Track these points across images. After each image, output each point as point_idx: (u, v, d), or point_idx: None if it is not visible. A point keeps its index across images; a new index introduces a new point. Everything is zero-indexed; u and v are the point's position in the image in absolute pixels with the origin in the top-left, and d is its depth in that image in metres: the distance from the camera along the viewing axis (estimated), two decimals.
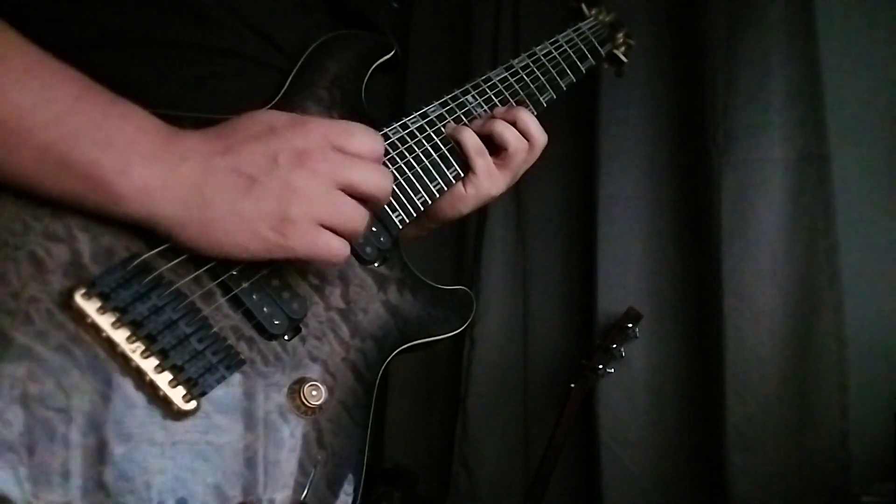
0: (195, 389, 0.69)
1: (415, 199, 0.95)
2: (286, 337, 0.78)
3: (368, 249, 0.88)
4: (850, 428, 1.98)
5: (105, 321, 0.65)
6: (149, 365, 0.67)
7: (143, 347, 0.67)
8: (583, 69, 1.27)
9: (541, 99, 1.17)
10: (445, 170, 1.00)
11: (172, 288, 0.70)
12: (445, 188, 1.00)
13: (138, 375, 0.67)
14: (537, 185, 2.51)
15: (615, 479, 2.27)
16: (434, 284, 0.95)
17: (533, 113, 1.13)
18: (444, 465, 2.56)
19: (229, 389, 0.72)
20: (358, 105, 0.96)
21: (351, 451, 0.80)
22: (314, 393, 0.76)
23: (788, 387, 2.05)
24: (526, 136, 1.07)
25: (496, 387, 2.53)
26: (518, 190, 2.32)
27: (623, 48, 1.44)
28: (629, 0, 2.22)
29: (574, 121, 2.44)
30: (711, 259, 2.14)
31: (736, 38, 2.16)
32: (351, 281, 0.86)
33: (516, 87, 1.15)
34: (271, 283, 0.78)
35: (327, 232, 0.72)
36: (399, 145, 0.96)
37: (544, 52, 1.22)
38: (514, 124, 1.06)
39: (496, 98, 1.12)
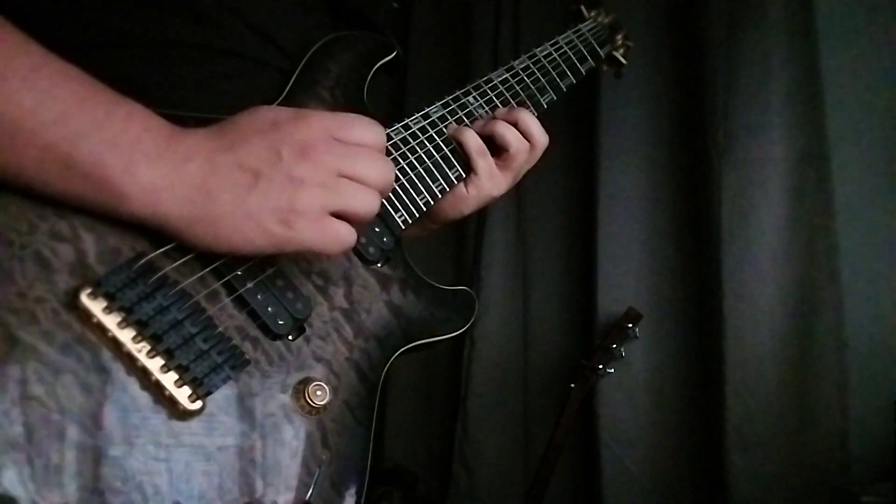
0: (200, 389, 0.69)
1: (417, 199, 0.95)
2: (290, 337, 0.79)
3: (371, 249, 0.89)
4: (850, 428, 1.97)
5: (111, 321, 0.65)
6: (154, 365, 0.67)
7: (148, 347, 0.67)
8: (582, 71, 1.28)
9: (541, 100, 1.18)
10: (447, 170, 1.01)
11: (177, 288, 0.71)
12: (447, 189, 1.01)
13: (144, 375, 0.67)
14: (537, 185, 2.51)
15: (615, 479, 2.27)
16: (436, 285, 0.96)
17: (534, 114, 1.13)
18: (444, 465, 2.56)
19: (234, 389, 0.73)
20: (360, 106, 0.97)
21: (355, 452, 0.80)
22: (319, 393, 0.76)
23: (788, 387, 2.05)
24: (527, 137, 1.07)
25: (496, 387, 2.53)
26: (518, 190, 2.32)
27: (622, 50, 1.45)
28: (629, 1, 2.23)
29: (574, 121, 2.44)
30: (711, 259, 2.14)
31: (736, 38, 2.15)
32: (354, 281, 0.87)
33: (517, 87, 1.15)
34: (276, 283, 0.78)
35: (334, 220, 0.72)
36: (401, 146, 0.96)
37: (544, 53, 1.22)
38: (515, 125, 1.07)
39: (497, 99, 1.12)
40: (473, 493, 2.49)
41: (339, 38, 0.99)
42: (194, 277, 0.73)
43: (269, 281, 0.78)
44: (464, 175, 1.04)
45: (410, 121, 1.00)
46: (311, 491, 0.75)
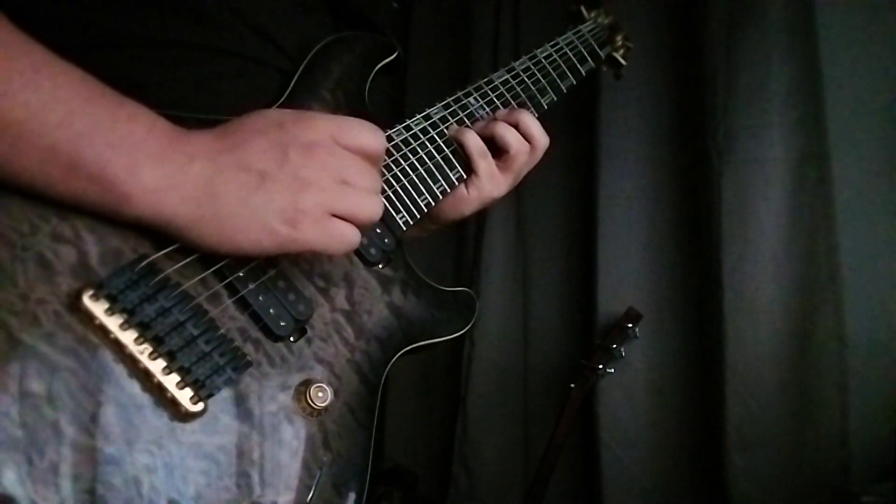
0: (202, 391, 0.69)
1: (418, 200, 0.95)
2: (292, 338, 0.79)
3: (373, 251, 0.89)
4: (850, 428, 1.97)
5: (113, 323, 0.65)
6: (156, 366, 0.67)
7: (150, 349, 0.67)
8: (583, 71, 1.28)
9: (541, 101, 1.18)
10: (448, 171, 1.01)
11: (180, 289, 0.71)
12: (448, 190, 1.01)
13: (146, 377, 0.67)
14: (537, 185, 2.51)
15: (615, 479, 2.27)
16: (437, 286, 0.96)
17: (534, 115, 1.13)
18: (444, 465, 2.57)
19: (236, 391, 0.73)
20: (361, 107, 0.97)
21: (356, 453, 0.80)
22: (320, 394, 0.76)
23: (788, 387, 2.05)
24: (528, 138, 1.08)
25: (496, 387, 2.53)
26: (518, 190, 2.32)
27: (622, 51, 1.45)
28: (629, 1, 2.22)
29: (574, 121, 2.44)
30: (711, 259, 2.14)
31: (736, 38, 2.15)
32: (355, 282, 0.87)
33: (517, 88, 1.15)
34: (277, 285, 0.78)
35: (339, 220, 0.72)
36: (402, 147, 0.97)
37: (545, 54, 1.23)
38: (515, 126, 1.07)
39: (498, 100, 1.12)
40: (473, 493, 2.49)
41: (340, 39, 0.99)
42: (196, 279, 0.73)
43: (271, 282, 0.78)
44: (464, 176, 1.04)
45: (412, 122, 1.00)
46: (311, 492, 0.75)
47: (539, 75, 1.19)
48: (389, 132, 0.96)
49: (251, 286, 0.76)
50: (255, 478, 0.72)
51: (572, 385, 2.16)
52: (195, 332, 0.70)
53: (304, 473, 0.75)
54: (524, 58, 1.20)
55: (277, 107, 0.88)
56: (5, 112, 0.61)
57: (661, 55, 2.32)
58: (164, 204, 0.67)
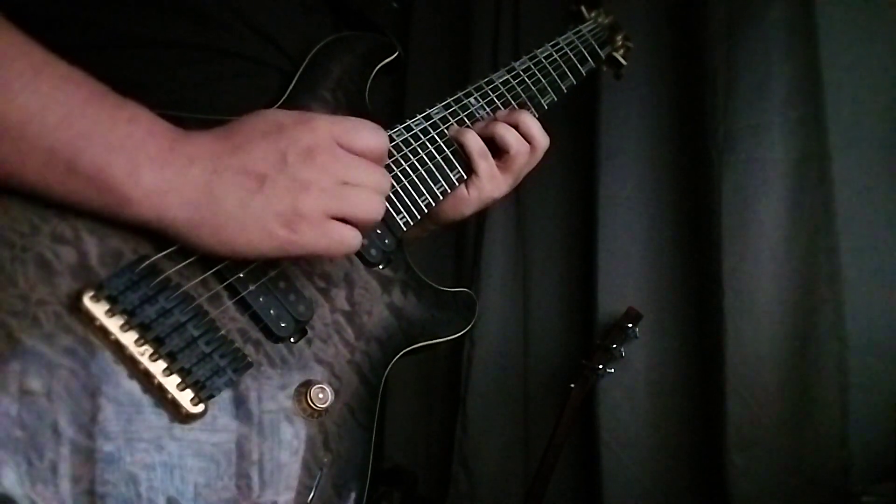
0: (203, 392, 0.69)
1: (419, 201, 0.95)
2: (292, 339, 0.79)
3: (373, 251, 0.89)
4: (850, 428, 1.98)
5: (113, 324, 0.65)
6: (157, 368, 0.67)
7: (151, 350, 0.67)
8: (583, 71, 1.28)
9: (542, 101, 1.18)
10: (449, 172, 1.01)
11: (180, 291, 0.71)
12: (449, 190, 1.01)
13: (146, 378, 0.67)
14: (537, 185, 2.50)
15: (615, 478, 2.27)
16: (437, 286, 0.96)
17: (534, 115, 1.13)
18: (444, 465, 2.56)
19: (236, 392, 0.73)
20: (362, 107, 0.97)
21: (356, 454, 0.80)
22: (321, 395, 0.76)
23: (788, 387, 2.05)
24: (528, 138, 1.08)
25: (496, 387, 2.53)
26: (518, 190, 2.32)
27: (622, 51, 1.45)
28: (629, 1, 2.22)
29: (574, 121, 2.44)
30: (711, 259, 2.14)
31: (736, 38, 2.16)
32: (356, 283, 0.87)
33: (518, 89, 1.15)
34: (278, 286, 0.78)
35: (338, 223, 0.72)
36: (403, 147, 0.96)
37: (545, 54, 1.22)
38: (516, 127, 1.07)
39: (498, 100, 1.12)
40: (473, 493, 2.49)
41: (341, 39, 0.99)
42: (196, 280, 0.73)
43: (272, 283, 0.78)
44: (465, 176, 1.04)
45: (412, 122, 1.00)
46: (311, 494, 0.75)
47: (539, 75, 1.19)
48: (390, 132, 0.96)
49: (251, 287, 0.76)
50: (256, 479, 0.71)
51: (572, 385, 2.16)
52: (196, 334, 0.70)
53: (305, 474, 0.75)
54: (524, 58, 1.20)
55: (278, 107, 0.88)
56: (4, 114, 0.61)
57: (661, 55, 2.32)
58: (163, 206, 0.66)
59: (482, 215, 2.54)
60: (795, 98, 2.09)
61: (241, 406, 0.73)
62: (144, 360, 0.66)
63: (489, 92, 1.12)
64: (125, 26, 0.83)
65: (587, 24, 1.36)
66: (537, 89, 1.18)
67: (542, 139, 1.09)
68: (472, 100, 1.09)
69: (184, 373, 0.68)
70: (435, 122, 1.03)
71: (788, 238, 2.08)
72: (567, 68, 1.24)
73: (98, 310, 0.65)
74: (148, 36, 0.85)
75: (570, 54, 1.26)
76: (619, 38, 1.44)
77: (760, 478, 2.04)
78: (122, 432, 0.65)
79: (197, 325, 0.71)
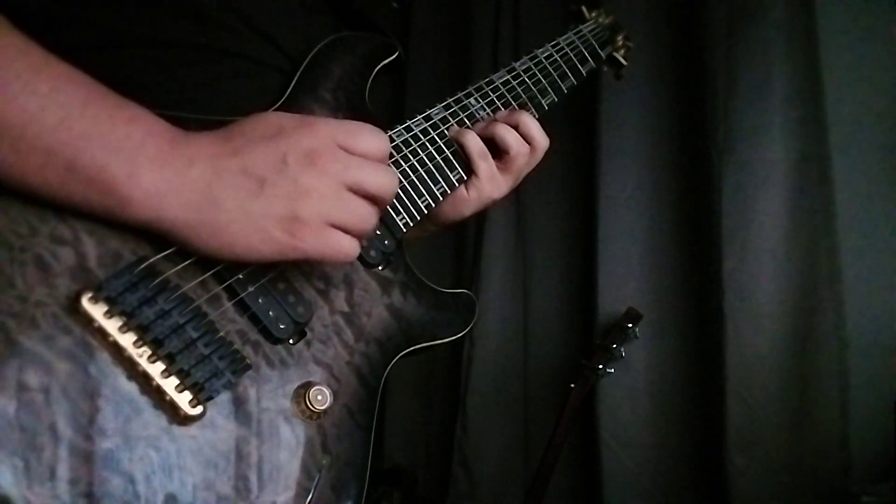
0: (202, 394, 0.69)
1: (419, 202, 0.95)
2: (291, 341, 0.79)
3: (373, 253, 0.88)
4: (850, 428, 1.98)
5: (112, 325, 0.65)
6: (155, 370, 0.67)
7: (149, 352, 0.67)
8: (583, 72, 1.28)
9: (542, 101, 1.18)
10: (449, 173, 1.01)
11: (179, 292, 0.71)
12: (449, 191, 1.01)
13: (144, 380, 0.67)
14: (537, 185, 2.50)
15: (615, 479, 2.27)
16: (437, 288, 0.96)
17: (534, 116, 1.13)
18: (444, 465, 2.56)
19: (235, 394, 0.73)
20: (362, 107, 0.97)
21: (355, 456, 0.80)
22: (319, 397, 0.76)
23: (788, 387, 2.05)
24: (528, 139, 1.07)
25: (496, 387, 2.53)
26: (518, 190, 2.32)
27: (623, 51, 1.44)
28: (629, 1, 2.22)
29: (574, 121, 2.44)
30: (711, 259, 2.14)
31: (736, 38, 2.16)
32: (355, 284, 0.87)
33: (518, 89, 1.15)
34: (277, 287, 0.78)
35: (337, 231, 0.72)
36: (403, 148, 0.96)
37: (545, 54, 1.22)
38: (516, 128, 1.07)
39: (499, 101, 1.12)
40: (473, 493, 2.49)
41: (341, 39, 0.99)
42: (195, 281, 0.73)
43: (271, 285, 0.78)
44: (465, 177, 1.04)
45: (412, 122, 1.00)
46: (310, 496, 0.75)
47: (540, 75, 1.19)
48: (390, 133, 0.95)
49: (251, 289, 0.76)
50: (254, 481, 0.71)
51: (572, 385, 2.16)
52: (194, 335, 0.70)
53: (303, 476, 0.75)
54: (525, 58, 1.20)
55: (278, 107, 0.88)
56: (3, 114, 0.61)
57: (661, 55, 2.32)
58: (162, 208, 0.66)
59: (482, 215, 2.54)
60: (795, 98, 2.09)
61: (239, 408, 0.72)
62: (143, 362, 0.66)
63: (489, 92, 1.12)
64: (125, 26, 0.83)
65: (588, 24, 1.36)
66: (537, 90, 1.17)
67: (542, 140, 1.09)
68: (472, 100, 1.09)
69: (182, 374, 0.68)
70: (435, 122, 1.02)
71: (788, 238, 2.08)
72: (567, 68, 1.24)
73: (96, 311, 0.65)
74: (148, 36, 0.84)
75: (571, 54, 1.26)
76: (619, 38, 1.43)
77: (760, 478, 2.04)
78: (120, 434, 0.64)
79: (196, 327, 0.70)
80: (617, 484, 2.27)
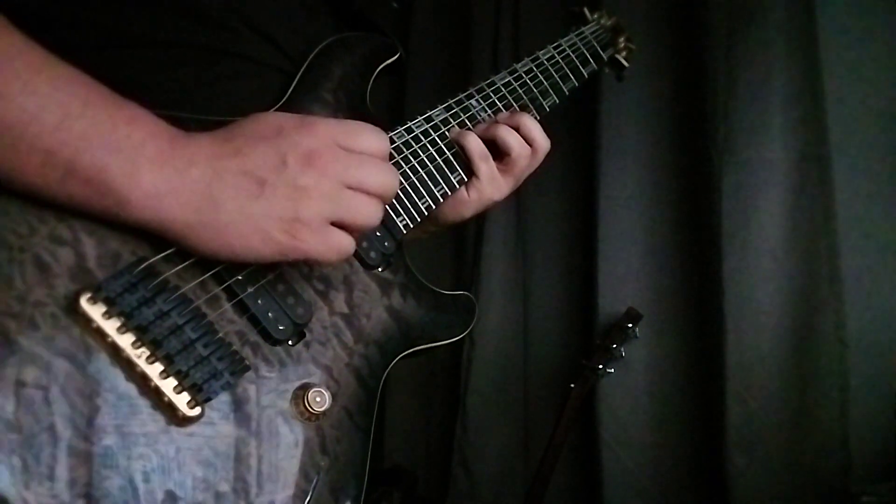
0: (200, 395, 0.69)
1: (419, 203, 0.95)
2: (290, 342, 0.79)
3: (373, 254, 0.88)
4: (850, 428, 1.98)
5: (110, 326, 0.65)
6: (154, 370, 0.67)
7: (148, 353, 0.67)
8: (585, 73, 1.27)
9: (544, 103, 1.18)
10: (449, 174, 1.00)
11: (178, 293, 0.71)
12: (449, 192, 1.01)
13: (143, 381, 0.67)
14: (537, 185, 2.50)
15: (615, 479, 2.27)
16: (437, 289, 0.96)
17: (536, 118, 1.13)
18: (444, 465, 2.56)
19: (233, 395, 0.73)
20: (363, 108, 0.97)
21: (354, 458, 0.80)
22: (318, 399, 0.76)
23: (788, 387, 2.05)
24: (529, 141, 1.07)
25: (496, 387, 2.53)
26: (518, 191, 2.31)
27: (624, 52, 1.44)
28: (630, 1, 2.22)
29: (574, 121, 2.44)
30: (711, 259, 2.14)
31: (736, 38, 2.15)
32: (355, 286, 0.87)
33: (520, 91, 1.15)
34: (276, 288, 0.78)
35: (338, 230, 0.72)
36: (404, 149, 0.96)
37: (547, 56, 1.22)
38: (517, 129, 1.06)
39: (500, 102, 1.12)
40: (473, 493, 2.49)
41: (342, 40, 0.99)
42: (195, 282, 0.73)
43: (270, 286, 0.78)
44: (465, 179, 1.04)
45: (413, 124, 1.00)
46: (309, 497, 0.74)
47: (541, 77, 1.19)
48: (391, 134, 0.95)
49: (250, 289, 0.76)
50: (252, 482, 0.71)
51: (572, 385, 2.16)
52: (193, 336, 0.70)
53: (302, 478, 0.75)
54: (526, 59, 1.20)
55: (278, 108, 0.88)
56: (3, 114, 0.61)
57: (662, 56, 2.32)
58: (162, 208, 0.66)
59: (482, 216, 2.52)
60: (795, 98, 2.09)
61: (238, 409, 0.72)
62: (141, 363, 0.66)
63: (490, 94, 1.11)
64: (125, 26, 0.83)
65: (589, 25, 1.36)
66: (539, 91, 1.17)
67: (543, 142, 1.09)
68: (473, 101, 1.09)
69: (181, 375, 0.68)
70: (436, 123, 1.02)
71: (788, 238, 2.08)
72: (569, 70, 1.23)
73: (95, 312, 0.64)
74: (148, 36, 0.84)
75: (572, 56, 1.26)
76: (621, 39, 1.43)
77: (760, 478, 2.04)
78: (118, 434, 0.64)
79: (195, 328, 0.70)
80: (617, 484, 2.27)
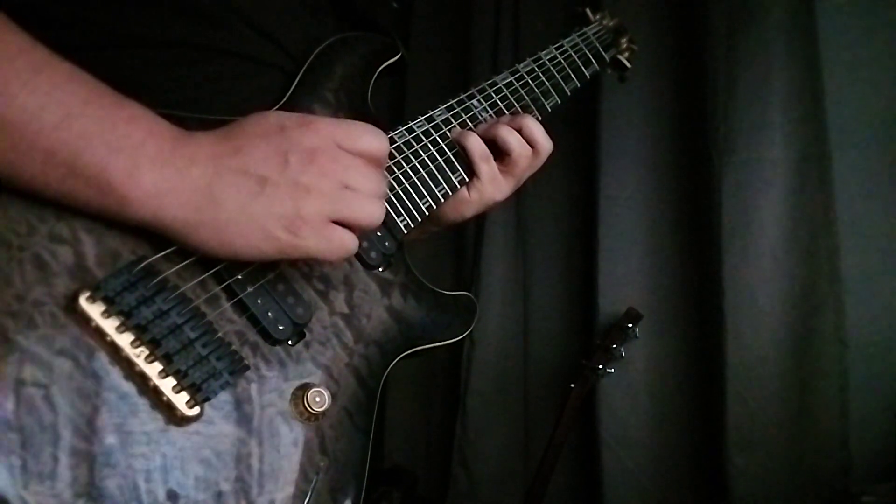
0: (199, 395, 0.69)
1: (420, 203, 0.95)
2: (290, 342, 0.79)
3: (373, 254, 0.88)
4: (850, 428, 1.98)
5: (109, 325, 0.65)
6: (153, 370, 0.67)
7: (147, 352, 0.67)
8: (587, 74, 1.27)
9: (545, 104, 1.17)
10: (450, 174, 1.00)
11: (177, 292, 0.70)
12: (450, 193, 1.00)
13: (142, 380, 0.67)
14: (537, 185, 2.50)
15: (615, 479, 2.27)
16: (437, 289, 0.95)
17: (537, 119, 1.12)
18: (444, 465, 2.56)
19: (232, 395, 0.72)
20: (364, 108, 0.97)
21: (353, 458, 0.80)
22: (318, 399, 0.76)
23: (788, 387, 2.05)
24: (531, 142, 1.07)
25: (496, 387, 2.52)
26: (518, 191, 2.31)
27: (627, 53, 1.44)
28: (630, 1, 2.22)
29: (575, 121, 2.44)
30: (711, 259, 2.13)
31: (736, 38, 2.15)
32: (355, 286, 0.86)
33: (522, 91, 1.14)
34: (276, 288, 0.78)
35: (339, 228, 0.72)
36: (405, 149, 0.96)
37: (549, 57, 1.21)
38: (519, 131, 1.06)
39: (502, 102, 1.11)
40: (473, 493, 2.49)
41: (344, 40, 0.99)
42: (194, 281, 0.73)
43: (270, 285, 0.77)
44: (466, 179, 1.03)
45: (414, 124, 1.00)
46: (308, 498, 0.74)
47: (543, 77, 1.18)
48: (392, 134, 0.95)
49: (250, 289, 0.76)
50: (251, 483, 0.71)
51: (572, 385, 2.15)
52: (193, 336, 0.70)
53: (301, 478, 0.75)
54: (528, 60, 1.19)
55: (279, 107, 0.88)
56: (4, 113, 0.61)
57: (662, 55, 2.32)
58: (163, 207, 0.66)
59: (482, 216, 2.52)
60: (795, 98, 2.08)
61: (237, 409, 0.72)
62: (140, 362, 0.66)
63: (492, 94, 1.11)
64: (125, 26, 0.83)
65: (592, 26, 1.35)
66: (541, 92, 1.17)
67: (545, 143, 1.08)
68: (474, 101, 1.08)
69: (180, 375, 0.68)
70: (437, 123, 1.02)
71: (788, 238, 2.08)
72: (571, 71, 1.23)
73: (94, 311, 0.64)
74: (149, 36, 0.84)
75: (575, 57, 1.25)
76: (623, 40, 1.42)
77: (760, 478, 2.04)
78: (117, 434, 0.64)
79: (194, 327, 0.70)
80: (617, 484, 2.27)
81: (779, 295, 2.08)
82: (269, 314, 0.76)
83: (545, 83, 1.18)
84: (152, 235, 0.69)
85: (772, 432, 2.05)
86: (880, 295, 2.04)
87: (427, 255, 2.60)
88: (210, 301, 0.74)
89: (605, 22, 1.38)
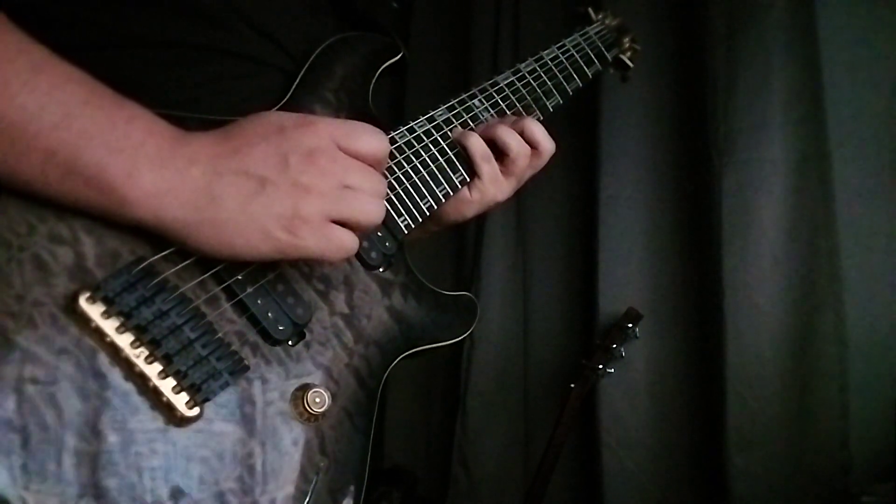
0: (199, 396, 0.69)
1: (420, 203, 0.95)
2: (290, 342, 0.78)
3: (374, 254, 0.88)
4: (850, 428, 1.98)
5: (109, 325, 0.65)
6: (153, 370, 0.67)
7: (147, 352, 0.67)
8: (589, 74, 1.26)
9: (547, 104, 1.17)
10: (451, 174, 1.00)
11: (177, 292, 0.70)
12: (451, 193, 1.00)
13: (142, 381, 0.67)
14: (538, 185, 2.48)
15: (615, 479, 2.27)
16: (438, 290, 0.95)
17: (539, 119, 1.12)
18: (444, 465, 2.56)
19: (232, 395, 0.72)
20: (365, 108, 0.96)
21: (353, 459, 0.80)
22: (317, 400, 0.76)
23: (788, 387, 2.05)
24: (532, 143, 1.06)
25: (496, 387, 2.53)
26: (519, 191, 2.32)
27: (629, 53, 1.43)
28: (630, 1, 2.22)
29: (575, 121, 2.44)
30: (711, 259, 2.14)
31: (736, 38, 2.16)
32: (355, 286, 0.86)
33: (523, 91, 1.14)
34: (276, 289, 0.78)
35: (338, 227, 0.72)
36: (406, 149, 0.96)
37: (551, 56, 1.21)
38: (521, 133, 1.06)
39: (503, 102, 1.11)
40: (473, 493, 2.49)
41: (344, 40, 0.98)
42: (194, 282, 0.72)
43: (270, 286, 0.77)
44: (467, 179, 1.03)
45: (415, 124, 0.99)
46: (307, 498, 0.74)
47: (545, 77, 1.17)
48: (392, 134, 0.95)
49: (250, 289, 0.76)
50: (251, 483, 0.71)
51: (572, 385, 2.16)
52: (192, 336, 0.70)
53: (301, 479, 0.75)
54: (530, 59, 1.18)
55: (280, 108, 0.88)
56: (3, 113, 0.61)
57: (662, 55, 2.32)
58: (162, 208, 0.66)
59: (482, 216, 2.51)
60: (795, 98, 2.09)
61: (237, 410, 0.72)
62: (140, 363, 0.66)
63: (494, 94, 1.10)
64: (125, 26, 0.83)
65: (594, 25, 1.34)
66: (542, 91, 1.16)
67: (547, 144, 1.08)
68: (476, 101, 1.08)
69: (179, 376, 0.68)
70: (438, 123, 1.02)
71: (788, 238, 2.08)
72: (573, 70, 1.22)
73: (94, 311, 0.64)
74: (149, 36, 0.84)
75: (577, 56, 1.25)
76: (626, 40, 1.41)
77: (760, 478, 2.04)
78: (116, 434, 0.64)
79: (194, 328, 0.70)
80: (617, 484, 2.27)
81: (779, 295, 2.08)
82: (269, 314, 0.76)
83: (547, 83, 1.17)
84: (152, 236, 0.69)
85: (772, 432, 2.05)
86: (880, 295, 2.04)
87: (427, 255, 2.60)
88: (210, 301, 0.73)
89: (607, 21, 1.38)
